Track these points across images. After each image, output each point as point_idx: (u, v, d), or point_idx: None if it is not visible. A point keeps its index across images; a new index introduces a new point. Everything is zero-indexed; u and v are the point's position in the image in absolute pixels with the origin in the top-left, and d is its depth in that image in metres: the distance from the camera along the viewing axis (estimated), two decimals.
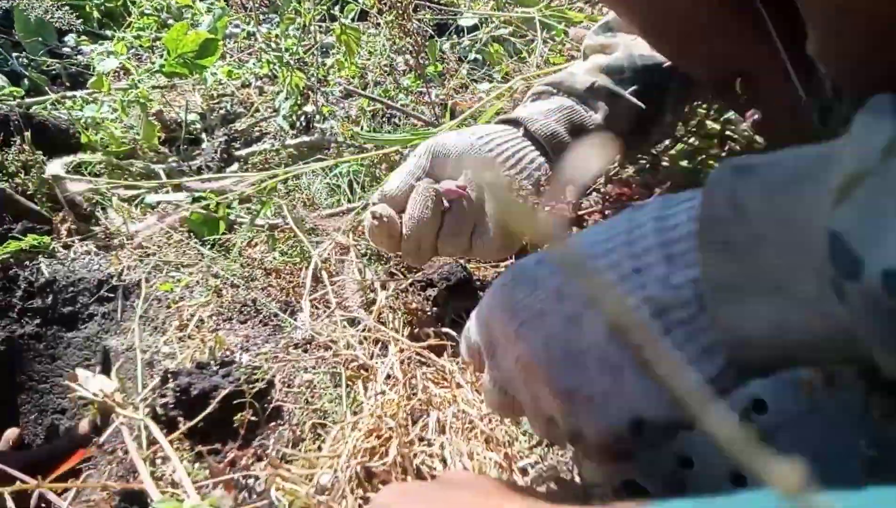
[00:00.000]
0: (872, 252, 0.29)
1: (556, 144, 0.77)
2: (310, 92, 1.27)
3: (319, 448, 0.60)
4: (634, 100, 0.81)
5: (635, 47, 0.84)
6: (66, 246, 0.97)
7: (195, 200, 0.99)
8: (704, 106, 0.90)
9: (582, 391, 0.39)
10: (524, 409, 0.45)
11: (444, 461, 0.57)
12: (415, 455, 0.57)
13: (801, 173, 0.34)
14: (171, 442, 0.61)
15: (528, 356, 0.42)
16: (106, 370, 0.81)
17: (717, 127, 0.87)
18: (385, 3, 1.17)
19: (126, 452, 0.61)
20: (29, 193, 1.02)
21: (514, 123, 0.79)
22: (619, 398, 0.39)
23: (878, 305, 0.29)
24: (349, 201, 1.04)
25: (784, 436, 0.49)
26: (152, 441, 0.61)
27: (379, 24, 1.33)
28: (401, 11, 1.14)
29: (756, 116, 0.68)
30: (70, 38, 1.53)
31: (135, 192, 1.01)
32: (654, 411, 0.39)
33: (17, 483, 0.53)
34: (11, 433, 0.82)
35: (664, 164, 0.88)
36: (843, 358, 0.35)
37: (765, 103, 0.67)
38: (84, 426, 0.81)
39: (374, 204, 0.71)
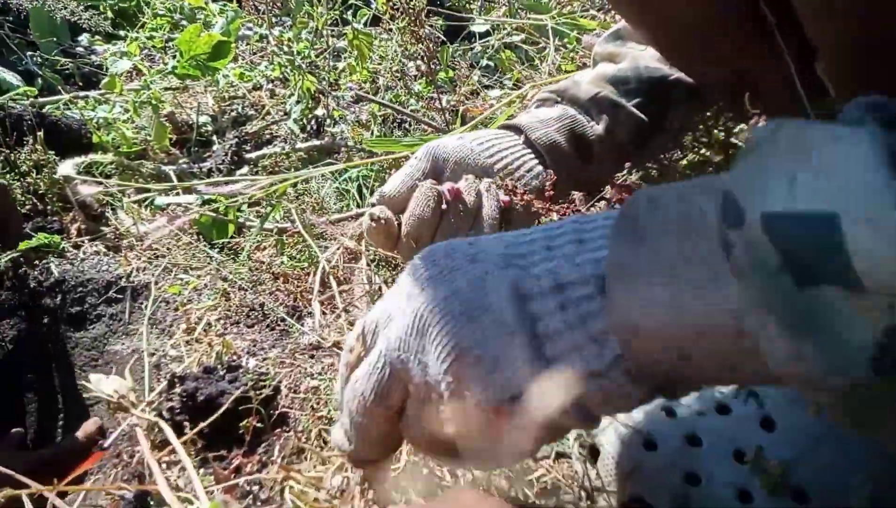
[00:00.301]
0: (755, 200, 0.29)
1: (555, 152, 0.78)
2: (321, 96, 1.27)
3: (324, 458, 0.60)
4: (636, 112, 0.81)
5: (642, 58, 0.83)
6: (77, 246, 0.98)
7: (205, 202, 0.99)
8: (710, 115, 0.90)
9: (472, 352, 0.37)
10: (410, 383, 0.41)
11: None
12: (425, 461, 0.56)
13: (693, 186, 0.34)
14: (174, 448, 0.61)
15: (425, 311, 0.39)
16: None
17: (721, 136, 0.86)
18: (398, 9, 1.17)
19: (132, 456, 0.61)
20: (40, 192, 1.03)
21: (516, 129, 0.80)
22: (507, 367, 0.37)
23: (761, 255, 0.28)
24: (358, 206, 1.04)
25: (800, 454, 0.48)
26: (157, 445, 0.61)
27: (391, 30, 1.33)
28: (413, 17, 1.14)
29: (761, 124, 0.68)
30: (83, 38, 1.54)
31: (145, 194, 1.01)
32: (535, 393, 0.37)
33: (30, 487, 0.53)
34: (16, 433, 0.82)
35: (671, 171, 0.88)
36: (731, 366, 0.33)
37: (770, 114, 0.67)
38: (90, 426, 0.81)
39: (372, 205, 0.73)
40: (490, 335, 0.37)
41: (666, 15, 0.67)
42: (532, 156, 0.77)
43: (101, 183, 1.01)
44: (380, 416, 0.42)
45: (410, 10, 1.13)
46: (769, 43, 0.60)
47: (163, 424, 0.61)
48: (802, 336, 0.28)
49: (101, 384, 0.72)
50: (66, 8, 1.40)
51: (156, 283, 0.89)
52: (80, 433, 0.81)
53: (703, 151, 0.91)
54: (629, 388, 0.35)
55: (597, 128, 0.80)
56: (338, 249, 0.90)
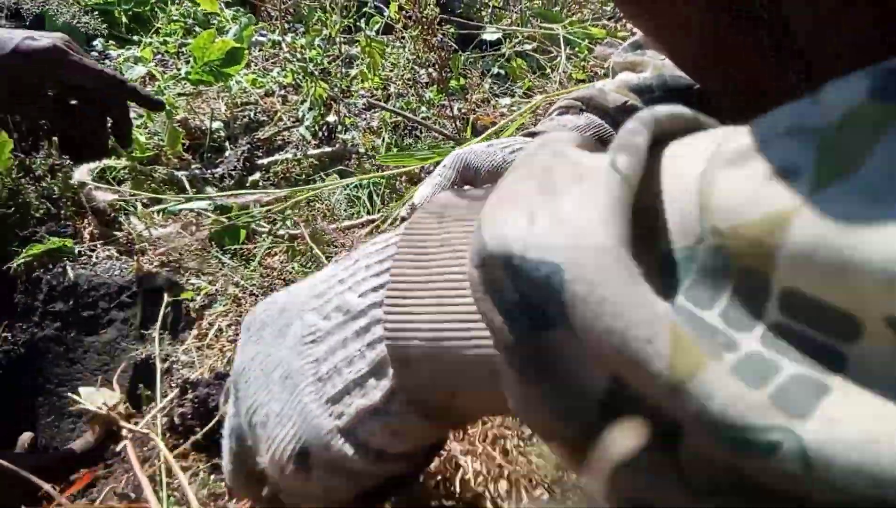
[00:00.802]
0: (494, 232, 0.27)
1: None
2: (333, 102, 1.28)
3: None
4: None
5: (666, 67, 0.83)
6: (91, 250, 0.98)
7: (217, 208, 1.00)
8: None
9: (262, 409, 0.35)
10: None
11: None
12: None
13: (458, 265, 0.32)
14: (186, 454, 0.61)
15: (237, 376, 0.38)
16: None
17: None
18: (410, 18, 1.18)
19: (144, 461, 0.61)
20: (54, 197, 1.03)
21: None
22: (289, 421, 0.34)
23: (502, 293, 0.27)
24: (369, 213, 1.04)
25: None
26: (170, 450, 0.61)
27: (403, 38, 1.33)
28: (426, 26, 1.15)
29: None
30: (98, 43, 1.56)
31: (159, 204, 1.02)
32: (320, 441, 0.34)
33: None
34: (26, 436, 0.83)
35: None
36: (499, 406, 0.31)
37: None
38: (97, 431, 0.81)
39: (402, 219, 0.73)
40: (276, 391, 0.35)
41: (681, 26, 0.67)
42: None
43: (115, 190, 1.01)
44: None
45: (423, 19, 1.14)
46: (782, 55, 0.60)
47: (154, 436, 0.62)
48: (535, 381, 0.26)
49: (92, 398, 0.72)
50: (67, 12, 1.41)
51: (168, 288, 0.89)
52: (90, 436, 0.81)
53: None
54: (414, 421, 0.33)
55: None
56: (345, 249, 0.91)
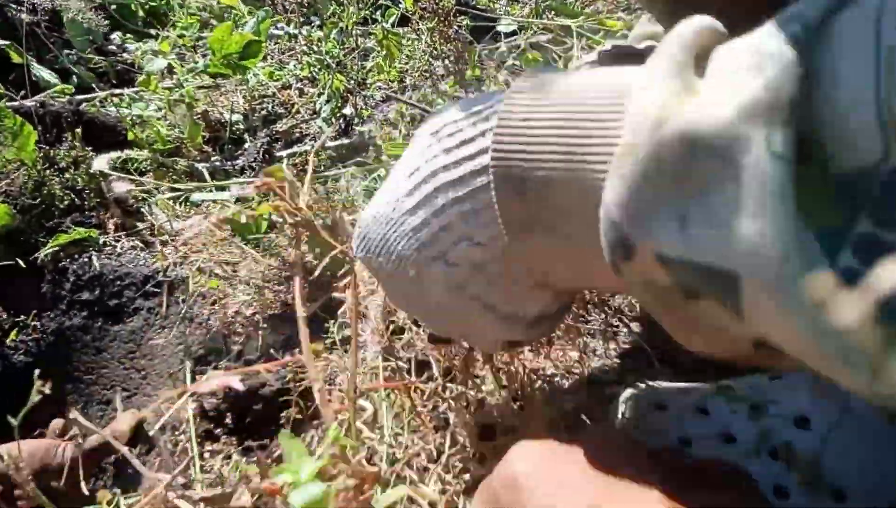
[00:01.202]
0: (644, 232, 0.28)
1: None
2: (349, 95, 1.29)
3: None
4: None
5: None
6: (116, 240, 1.00)
7: (238, 199, 1.01)
8: None
9: (454, 334, 0.46)
10: None
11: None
12: None
13: (589, 112, 0.33)
14: (219, 437, 0.63)
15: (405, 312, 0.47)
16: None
17: None
18: (426, 9, 1.18)
19: (175, 444, 0.63)
20: (78, 188, 1.05)
21: None
22: (485, 335, 0.43)
23: (652, 278, 0.29)
24: None
25: (831, 450, 0.49)
26: (201, 438, 0.63)
27: (419, 30, 1.34)
28: (442, 18, 1.15)
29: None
30: (115, 36, 1.57)
31: (180, 191, 1.04)
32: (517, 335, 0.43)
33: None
34: (58, 423, 0.85)
35: None
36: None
37: None
38: (128, 417, 0.83)
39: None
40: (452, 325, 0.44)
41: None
42: None
43: (133, 180, 1.03)
44: None
45: (440, 11, 1.14)
46: None
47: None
48: (689, 331, 0.30)
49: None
50: (75, 9, 1.42)
51: (192, 278, 0.91)
52: (118, 424, 0.83)
53: None
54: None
55: None
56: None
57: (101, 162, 1.09)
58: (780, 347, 0.26)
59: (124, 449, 0.54)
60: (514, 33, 1.47)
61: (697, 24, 0.30)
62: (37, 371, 0.49)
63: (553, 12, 1.48)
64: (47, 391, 0.47)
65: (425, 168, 0.40)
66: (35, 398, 0.47)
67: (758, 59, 0.24)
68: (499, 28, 1.47)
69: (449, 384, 0.64)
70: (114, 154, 1.12)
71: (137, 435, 0.73)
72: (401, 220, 0.40)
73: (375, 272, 0.44)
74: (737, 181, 0.24)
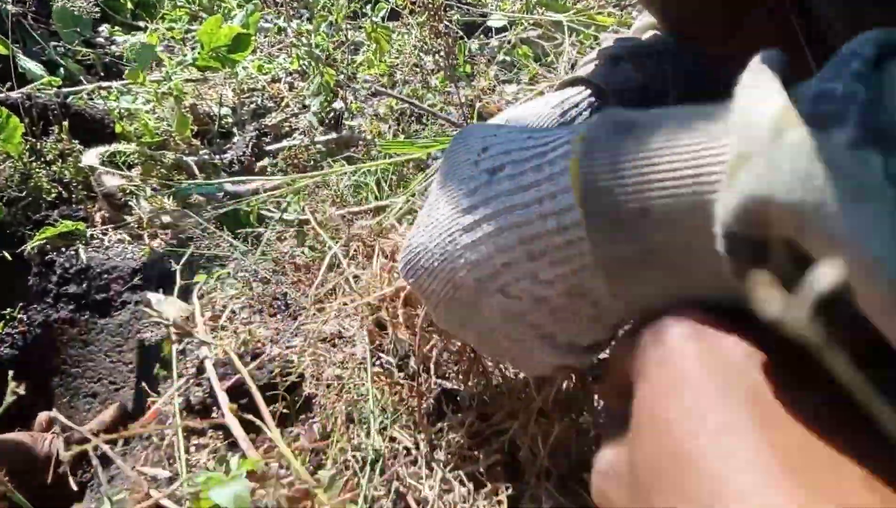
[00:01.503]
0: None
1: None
2: (339, 89, 1.28)
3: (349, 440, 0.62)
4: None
5: None
6: (103, 233, 1.00)
7: (226, 193, 1.01)
8: None
9: (506, 359, 0.47)
10: None
11: None
12: None
13: (682, 139, 0.33)
14: (204, 431, 0.63)
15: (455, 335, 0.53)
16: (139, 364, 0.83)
17: None
18: (416, 4, 1.18)
19: (161, 438, 0.63)
20: (65, 181, 1.05)
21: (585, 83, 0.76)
22: (537, 362, 0.45)
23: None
24: (377, 199, 1.05)
25: None
26: (187, 433, 0.63)
27: (409, 24, 1.34)
28: (432, 13, 1.15)
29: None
30: (104, 28, 1.56)
31: (170, 186, 1.03)
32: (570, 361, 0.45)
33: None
34: (44, 416, 0.84)
35: None
36: None
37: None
38: (113, 411, 0.83)
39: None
40: (508, 345, 0.45)
41: (698, 17, 0.68)
42: None
43: (123, 175, 1.03)
44: None
45: (430, 6, 1.14)
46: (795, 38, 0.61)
47: (230, 350, 0.64)
48: None
49: (161, 306, 0.74)
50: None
51: (180, 272, 0.90)
52: (104, 417, 0.83)
53: None
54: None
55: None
56: (356, 243, 0.92)
57: (90, 157, 1.08)
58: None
59: (106, 448, 0.54)
60: (504, 28, 1.47)
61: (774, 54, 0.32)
62: (10, 373, 0.49)
63: (544, 7, 1.49)
64: (22, 391, 0.46)
65: (486, 208, 0.41)
66: (10, 398, 0.47)
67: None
68: (489, 23, 1.47)
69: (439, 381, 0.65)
70: (103, 148, 1.11)
71: (124, 428, 0.73)
72: (458, 253, 0.42)
73: (426, 297, 0.46)
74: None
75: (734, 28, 0.66)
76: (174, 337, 0.74)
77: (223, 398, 0.63)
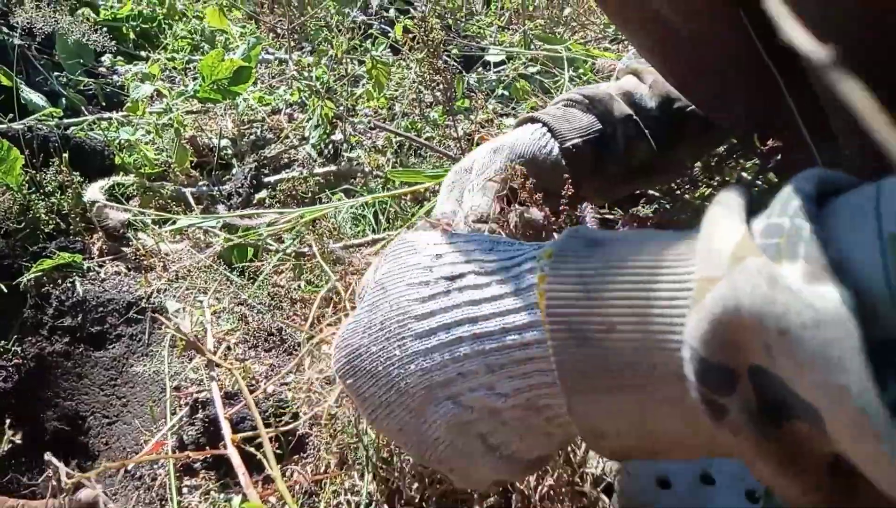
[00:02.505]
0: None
1: (578, 162, 0.79)
2: (338, 121, 1.30)
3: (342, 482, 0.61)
4: (652, 144, 0.83)
5: (666, 84, 0.85)
6: (100, 265, 1.00)
7: (225, 226, 1.01)
8: (725, 151, 0.91)
9: (443, 468, 0.44)
10: None
11: None
12: None
13: (649, 259, 0.35)
14: (198, 472, 0.62)
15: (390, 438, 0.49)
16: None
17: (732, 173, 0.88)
18: (415, 40, 1.20)
19: (153, 479, 0.63)
20: (63, 212, 1.05)
21: (547, 127, 0.80)
22: (477, 473, 0.43)
23: (750, 407, 0.31)
24: (374, 232, 1.06)
25: None
26: (180, 473, 0.62)
27: (409, 60, 1.35)
28: (431, 49, 1.16)
29: (777, 158, 0.69)
30: (106, 59, 1.57)
31: (169, 219, 1.04)
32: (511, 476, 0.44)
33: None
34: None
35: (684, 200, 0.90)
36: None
37: (785, 155, 0.69)
38: (86, 494, 0.78)
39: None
40: (454, 458, 0.43)
41: (685, 58, 0.69)
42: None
43: (128, 210, 1.03)
44: None
45: (429, 42, 1.16)
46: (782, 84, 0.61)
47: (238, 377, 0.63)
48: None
49: (179, 316, 0.74)
50: (78, 31, 1.43)
51: (176, 305, 0.90)
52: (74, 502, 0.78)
53: (713, 184, 0.92)
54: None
55: (618, 149, 0.82)
56: (356, 277, 0.92)
57: (93, 191, 1.08)
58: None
59: (98, 489, 0.54)
60: (502, 62, 1.49)
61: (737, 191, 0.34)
62: (7, 421, 0.49)
63: (542, 42, 1.50)
64: (18, 441, 0.46)
65: (444, 316, 0.41)
66: (5, 446, 0.46)
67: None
68: (487, 57, 1.49)
69: None
70: (103, 182, 1.11)
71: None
72: (409, 359, 0.41)
73: (362, 399, 0.44)
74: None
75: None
76: (179, 345, 0.74)
77: (226, 426, 0.62)
